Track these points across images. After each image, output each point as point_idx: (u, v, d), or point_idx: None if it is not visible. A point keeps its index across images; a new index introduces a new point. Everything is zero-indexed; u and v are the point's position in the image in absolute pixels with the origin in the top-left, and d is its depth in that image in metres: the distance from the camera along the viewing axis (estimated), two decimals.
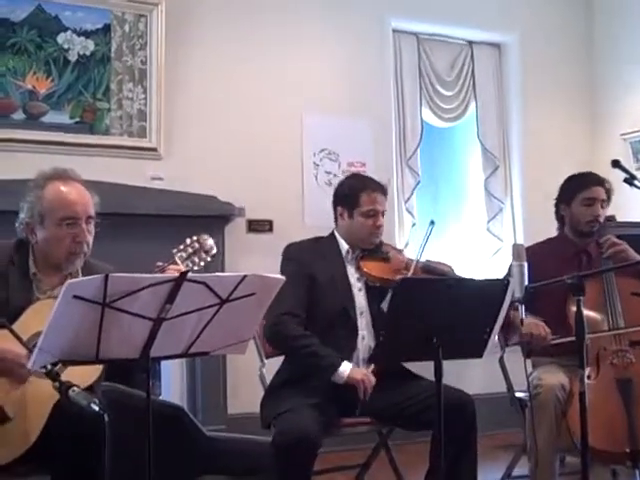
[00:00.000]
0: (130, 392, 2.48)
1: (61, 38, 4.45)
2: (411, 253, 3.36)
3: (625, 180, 2.94)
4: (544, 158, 5.58)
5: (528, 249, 2.77)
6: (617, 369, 3.14)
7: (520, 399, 3.40)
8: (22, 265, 2.61)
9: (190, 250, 2.58)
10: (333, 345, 3.02)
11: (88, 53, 4.50)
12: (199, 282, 2.00)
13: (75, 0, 4.44)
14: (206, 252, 2.59)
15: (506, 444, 4.26)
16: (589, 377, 3.05)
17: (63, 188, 2.60)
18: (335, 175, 5.00)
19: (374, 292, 3.17)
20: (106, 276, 1.88)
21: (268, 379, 3.20)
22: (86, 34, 4.50)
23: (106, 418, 1.94)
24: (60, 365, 2.06)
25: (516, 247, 2.78)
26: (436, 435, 2.69)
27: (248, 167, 4.80)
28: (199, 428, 2.76)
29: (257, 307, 2.18)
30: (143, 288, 1.93)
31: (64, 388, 1.96)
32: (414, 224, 5.22)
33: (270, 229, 4.88)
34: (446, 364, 2.47)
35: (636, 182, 2.92)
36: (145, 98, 4.60)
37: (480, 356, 2.63)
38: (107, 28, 4.55)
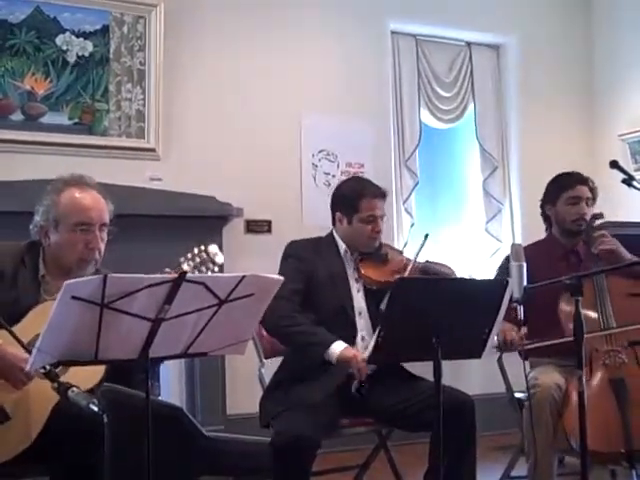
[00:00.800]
0: (129, 392, 2.48)
1: (60, 39, 4.44)
2: (409, 254, 3.36)
3: (623, 181, 2.95)
4: (542, 159, 5.57)
5: None
6: (610, 370, 3.14)
7: (519, 399, 3.41)
8: (32, 267, 2.62)
9: (198, 260, 2.58)
10: None
11: (87, 54, 4.50)
12: (198, 282, 2.00)
13: (74, 1, 4.44)
14: (213, 262, 2.60)
15: (505, 445, 4.26)
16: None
17: (79, 194, 2.62)
18: (334, 176, 5.01)
19: (373, 293, 3.17)
20: (105, 276, 1.88)
21: (267, 379, 3.20)
22: (85, 35, 4.50)
23: (105, 418, 1.94)
24: (61, 367, 2.06)
25: (515, 247, 2.80)
26: (435, 436, 2.70)
27: (247, 168, 4.80)
28: (198, 428, 2.76)
29: (256, 307, 2.17)
30: (142, 289, 1.92)
31: (63, 389, 1.96)
32: (413, 224, 5.23)
33: (268, 230, 4.89)
34: (445, 364, 2.47)
35: (634, 183, 2.93)
36: (144, 99, 4.60)
37: (479, 356, 2.63)
38: (106, 29, 4.55)
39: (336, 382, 2.96)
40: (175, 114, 4.68)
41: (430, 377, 2.55)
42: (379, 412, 3.03)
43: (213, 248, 2.59)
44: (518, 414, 3.36)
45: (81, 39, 4.49)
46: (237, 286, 2.06)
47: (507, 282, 2.59)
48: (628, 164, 5.32)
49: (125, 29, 4.59)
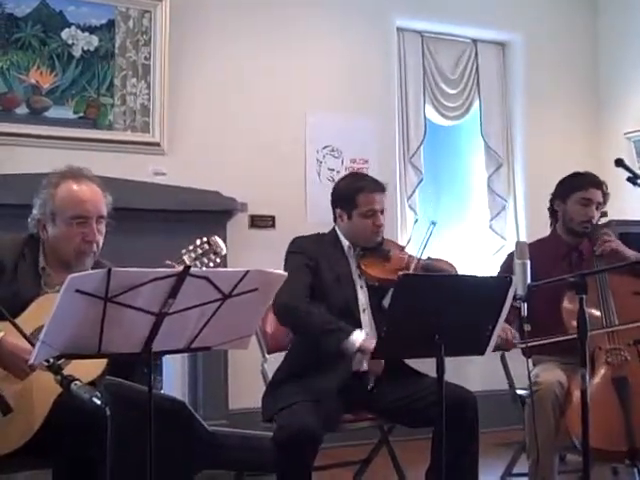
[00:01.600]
0: (132, 386, 2.48)
1: (65, 34, 4.45)
2: (413, 250, 3.36)
3: (628, 179, 2.94)
4: (547, 156, 5.58)
5: None
6: (612, 368, 3.14)
7: (521, 396, 3.41)
8: (32, 259, 2.61)
9: (200, 251, 2.58)
10: None
11: (92, 49, 4.50)
12: (201, 277, 2.00)
13: None
14: (215, 254, 2.60)
15: (507, 441, 4.26)
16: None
17: (75, 187, 2.61)
18: (338, 172, 5.01)
19: (375, 289, 3.17)
20: (109, 270, 1.88)
21: (270, 374, 3.20)
22: (90, 30, 4.50)
23: (107, 412, 1.94)
24: (63, 360, 2.07)
25: (519, 245, 2.79)
26: (438, 432, 2.70)
27: (251, 163, 4.80)
28: (200, 423, 2.76)
29: (259, 302, 2.17)
30: (145, 283, 1.92)
31: (66, 382, 1.96)
32: (417, 220, 5.23)
33: (273, 225, 4.89)
34: (447, 361, 2.47)
35: (639, 181, 2.92)
36: (149, 93, 4.60)
37: (482, 353, 2.62)
38: (111, 24, 4.55)
39: (339, 377, 2.95)
40: (180, 108, 4.68)
41: (433, 373, 2.54)
42: (382, 408, 3.04)
43: (215, 239, 2.59)
44: (520, 411, 3.36)
45: (87, 33, 4.49)
46: (241, 281, 2.06)
47: (511, 279, 2.59)
48: (634, 162, 5.31)
49: (130, 24, 4.59)
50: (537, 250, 3.33)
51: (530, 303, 2.78)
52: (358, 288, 3.18)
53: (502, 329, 3.10)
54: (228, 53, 4.84)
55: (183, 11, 4.68)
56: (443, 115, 5.53)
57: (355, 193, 3.16)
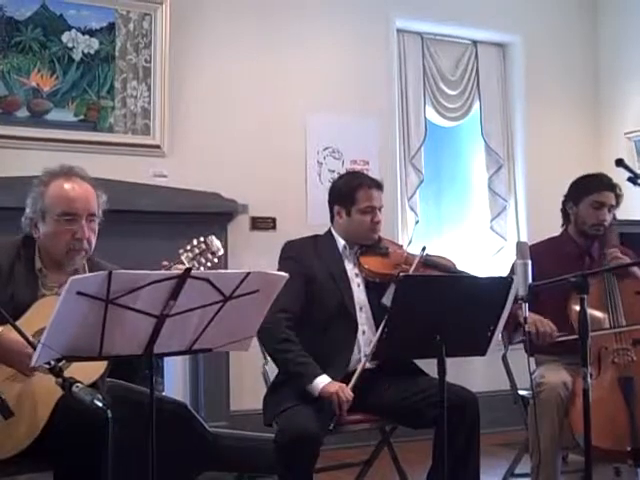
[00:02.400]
0: (134, 388, 2.48)
1: (66, 37, 4.45)
2: (413, 251, 3.36)
3: (629, 179, 2.94)
4: (548, 157, 5.58)
5: (530, 247, 2.76)
6: (619, 368, 3.14)
7: (523, 397, 3.40)
8: (28, 261, 2.60)
9: (197, 251, 2.58)
10: (333, 340, 3.03)
11: (92, 52, 4.51)
12: (202, 279, 2.00)
13: None
14: (212, 253, 2.60)
15: (509, 442, 4.25)
16: (591, 376, 3.05)
17: (66, 185, 2.59)
18: (339, 173, 4.99)
19: (374, 286, 3.17)
20: (110, 273, 1.88)
21: (271, 376, 3.19)
22: (90, 33, 4.50)
23: (109, 414, 1.94)
24: (64, 362, 2.07)
25: (520, 245, 2.79)
26: (439, 433, 2.70)
27: (252, 164, 4.80)
28: (202, 424, 2.77)
29: (260, 304, 2.17)
30: (147, 285, 1.93)
31: (67, 384, 1.96)
32: (417, 221, 5.23)
33: (273, 226, 4.89)
34: (449, 361, 2.47)
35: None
36: (149, 96, 4.61)
37: (483, 354, 2.63)
38: (111, 27, 4.55)
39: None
40: (180, 111, 4.68)
41: (434, 374, 2.54)
42: (383, 409, 3.03)
43: (211, 239, 2.59)
44: (522, 411, 3.36)
45: (87, 36, 4.50)
46: (242, 283, 2.06)
47: (512, 280, 2.59)
48: (634, 162, 5.31)
49: (131, 26, 4.60)
50: (545, 250, 3.34)
51: (536, 303, 2.78)
52: (355, 286, 3.17)
53: (540, 322, 3.09)
54: (228, 55, 4.85)
55: (183, 14, 4.69)
56: (443, 116, 5.53)
57: (354, 189, 3.17)
